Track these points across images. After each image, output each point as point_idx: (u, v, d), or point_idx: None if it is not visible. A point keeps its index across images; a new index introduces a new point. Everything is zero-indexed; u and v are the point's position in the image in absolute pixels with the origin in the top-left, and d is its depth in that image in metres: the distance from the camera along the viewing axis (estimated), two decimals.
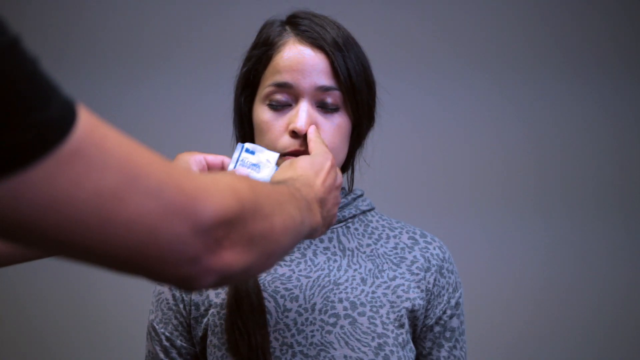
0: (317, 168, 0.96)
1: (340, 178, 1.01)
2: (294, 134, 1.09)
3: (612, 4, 2.51)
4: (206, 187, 0.63)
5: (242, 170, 1.05)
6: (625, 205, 2.51)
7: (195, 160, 1.06)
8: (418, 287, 1.16)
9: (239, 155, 1.07)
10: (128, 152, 0.58)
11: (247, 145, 1.09)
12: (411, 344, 1.15)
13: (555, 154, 2.52)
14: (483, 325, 2.35)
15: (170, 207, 0.59)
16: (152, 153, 0.61)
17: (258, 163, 1.07)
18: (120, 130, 0.59)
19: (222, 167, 1.09)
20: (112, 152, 0.57)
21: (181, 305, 1.16)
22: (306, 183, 0.90)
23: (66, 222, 0.55)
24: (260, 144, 1.12)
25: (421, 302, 1.15)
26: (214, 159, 1.08)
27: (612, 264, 2.49)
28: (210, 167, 1.08)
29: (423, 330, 1.17)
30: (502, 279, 2.48)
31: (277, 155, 1.09)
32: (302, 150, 1.09)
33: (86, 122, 0.56)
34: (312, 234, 0.88)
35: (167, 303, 1.17)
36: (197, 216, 0.61)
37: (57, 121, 0.54)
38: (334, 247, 1.17)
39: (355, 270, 1.15)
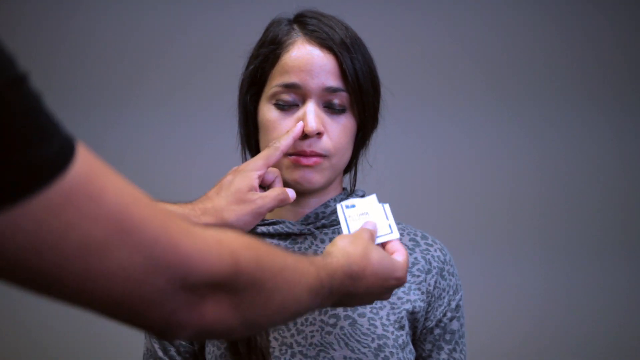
0: (382, 277, 0.92)
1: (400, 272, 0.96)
2: (303, 134, 1.09)
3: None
4: (204, 248, 0.62)
5: (355, 225, 1.02)
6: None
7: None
8: (419, 289, 1.16)
9: (344, 215, 1.04)
10: (126, 204, 0.57)
11: (344, 203, 1.06)
12: (411, 346, 1.15)
13: (560, 162, 2.52)
14: (483, 327, 2.35)
15: (159, 263, 0.58)
16: (153, 205, 0.59)
17: (365, 212, 1.05)
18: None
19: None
20: (107, 203, 0.55)
21: None
22: (351, 276, 0.86)
23: (48, 268, 0.54)
24: (265, 143, 1.12)
25: (421, 304, 1.15)
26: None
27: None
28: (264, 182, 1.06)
29: (423, 333, 1.17)
30: (504, 282, 2.48)
31: (373, 196, 1.07)
32: (309, 152, 1.09)
33: (84, 165, 0.54)
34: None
35: None
36: (186, 275, 0.60)
37: (52, 161, 0.52)
38: None
39: None
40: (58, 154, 0.52)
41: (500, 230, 2.51)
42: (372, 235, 0.97)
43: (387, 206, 1.06)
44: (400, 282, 0.95)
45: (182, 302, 0.61)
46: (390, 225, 1.03)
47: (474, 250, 2.47)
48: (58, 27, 2.48)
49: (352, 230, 1.02)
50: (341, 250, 0.88)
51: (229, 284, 0.64)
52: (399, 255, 0.97)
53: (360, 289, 0.88)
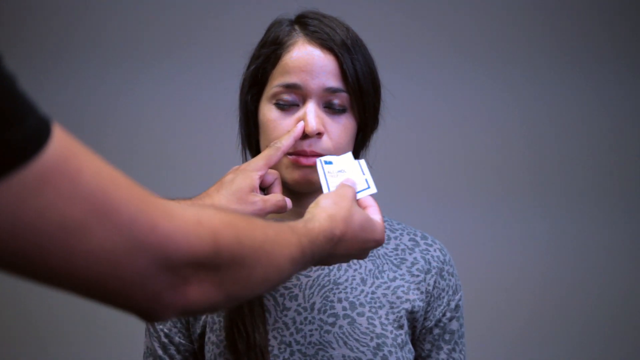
0: (362, 239, 0.93)
1: (380, 234, 0.96)
2: (303, 134, 1.09)
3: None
4: (184, 228, 0.62)
5: (334, 182, 1.03)
6: (625, 199, 2.52)
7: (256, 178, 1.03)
8: (418, 288, 1.16)
9: (323, 172, 1.06)
10: (103, 184, 0.56)
11: (323, 158, 1.08)
12: (410, 345, 1.16)
13: (555, 153, 2.52)
14: (482, 326, 2.35)
15: (138, 244, 0.58)
16: (131, 185, 0.59)
17: (342, 169, 1.07)
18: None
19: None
20: (84, 183, 0.55)
21: None
22: (332, 239, 0.87)
23: (28, 249, 0.54)
24: (265, 143, 1.12)
25: (421, 303, 1.16)
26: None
27: (612, 259, 2.50)
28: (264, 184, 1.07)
29: (422, 332, 1.18)
30: (502, 280, 2.49)
31: (349, 154, 1.10)
32: (309, 152, 1.09)
33: (60, 145, 0.54)
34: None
35: None
36: (166, 255, 0.60)
37: (27, 141, 0.52)
38: None
39: (355, 270, 1.16)
40: (33, 134, 0.52)
41: (499, 231, 2.51)
42: (354, 193, 0.98)
43: (362, 162, 1.08)
44: (378, 244, 0.96)
45: (164, 283, 0.61)
46: (367, 180, 1.05)
47: (473, 249, 2.47)
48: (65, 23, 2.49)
49: (331, 187, 1.03)
50: (324, 213, 0.89)
51: (210, 263, 0.64)
52: (374, 212, 0.98)
53: (339, 251, 0.90)
